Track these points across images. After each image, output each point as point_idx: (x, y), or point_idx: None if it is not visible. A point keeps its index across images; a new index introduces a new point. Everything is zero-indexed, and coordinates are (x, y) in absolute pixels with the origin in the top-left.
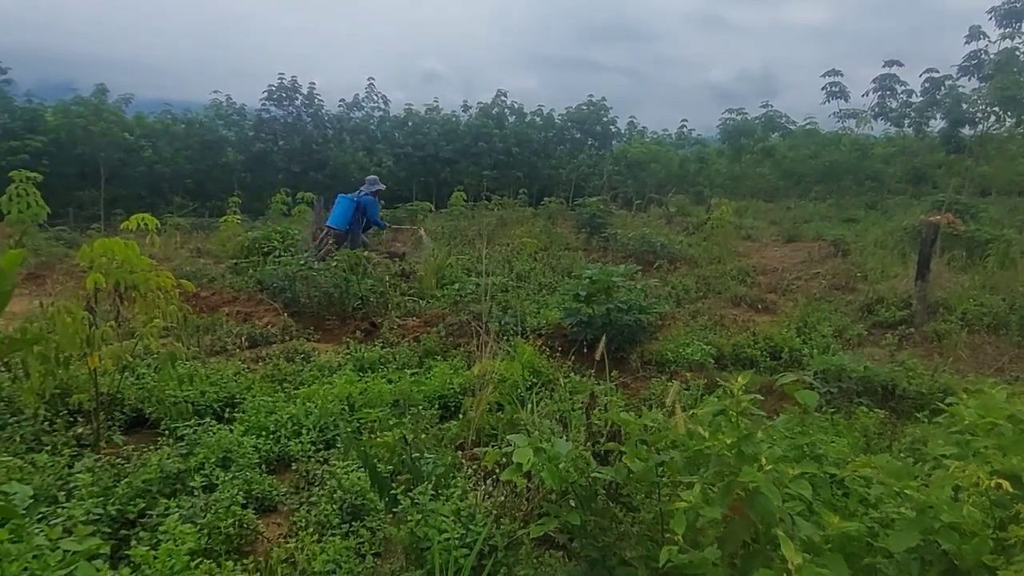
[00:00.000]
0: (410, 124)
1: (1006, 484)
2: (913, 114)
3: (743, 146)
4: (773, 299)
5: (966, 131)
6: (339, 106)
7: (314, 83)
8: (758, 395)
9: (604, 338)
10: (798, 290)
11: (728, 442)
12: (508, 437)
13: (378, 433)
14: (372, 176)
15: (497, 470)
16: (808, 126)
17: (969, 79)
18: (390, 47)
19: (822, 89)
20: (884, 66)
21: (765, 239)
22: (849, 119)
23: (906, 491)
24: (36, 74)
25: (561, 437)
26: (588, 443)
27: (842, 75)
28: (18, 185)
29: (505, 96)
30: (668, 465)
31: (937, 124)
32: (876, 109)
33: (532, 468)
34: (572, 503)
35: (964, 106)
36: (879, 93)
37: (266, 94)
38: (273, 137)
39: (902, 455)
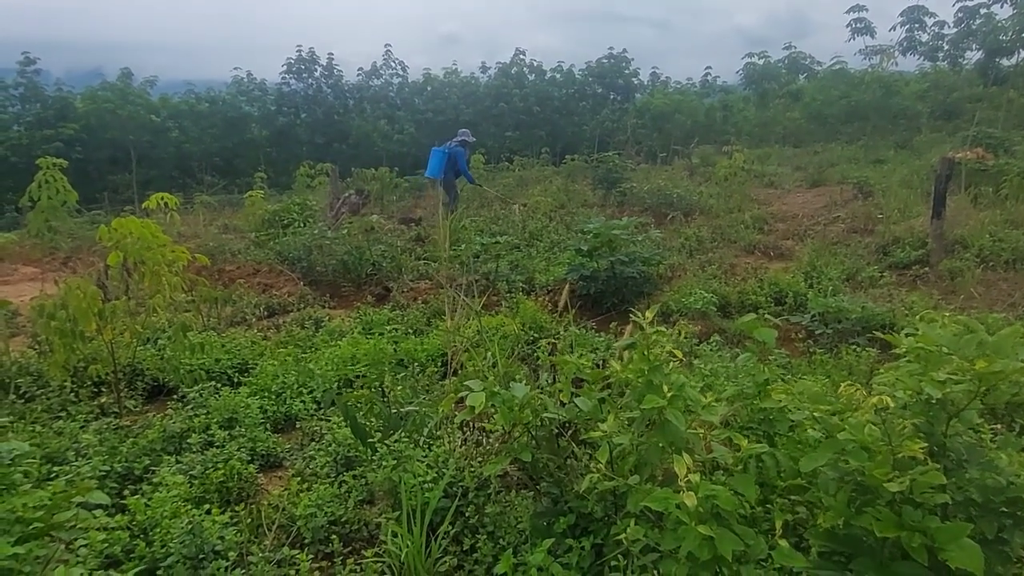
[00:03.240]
0: (429, 89)
1: (887, 399)
2: (947, 46)
3: (768, 91)
4: (789, 245)
5: (1003, 61)
6: (358, 75)
7: (332, 54)
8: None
9: (568, 286)
10: (815, 235)
11: (644, 372)
12: (464, 383)
13: (364, 388)
14: (464, 129)
15: (479, 420)
16: (835, 66)
17: (1002, 6)
18: (408, 13)
19: (846, 26)
20: None
21: (788, 185)
22: (875, 56)
23: (816, 414)
24: (65, 63)
25: (526, 383)
26: (552, 387)
27: (867, 10)
28: (45, 172)
29: (524, 55)
30: (608, 401)
31: (973, 56)
32: (904, 44)
33: (488, 410)
34: (530, 443)
35: (999, 36)
36: (907, 27)
37: (285, 67)
38: (295, 110)
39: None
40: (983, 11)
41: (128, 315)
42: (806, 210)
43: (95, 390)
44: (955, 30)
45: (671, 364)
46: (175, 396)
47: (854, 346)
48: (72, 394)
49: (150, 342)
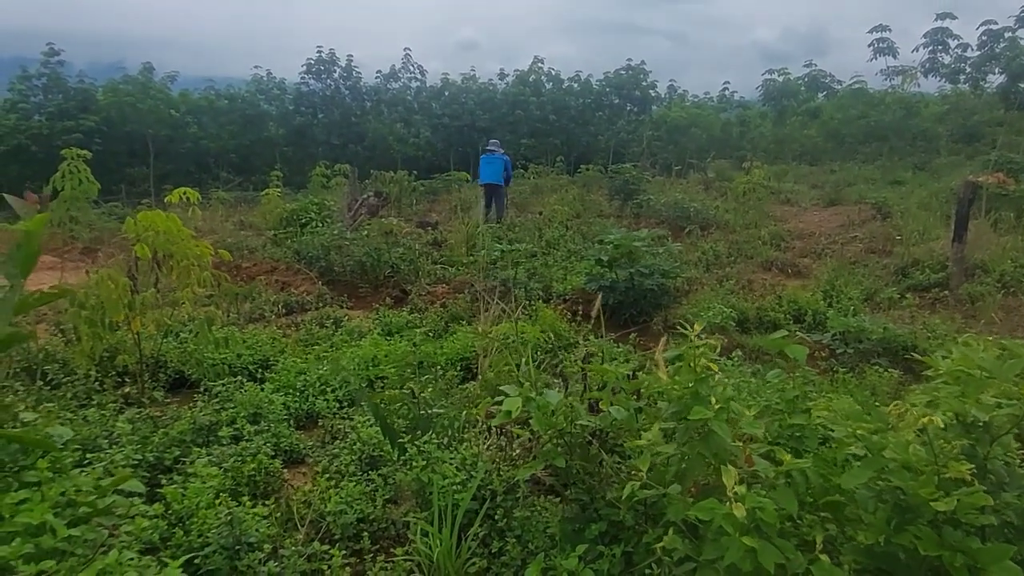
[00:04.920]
0: (447, 94)
1: (937, 419)
2: (969, 69)
3: (786, 108)
4: (806, 263)
5: None
6: (376, 78)
7: (352, 56)
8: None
9: (599, 296)
10: (833, 254)
11: (688, 385)
12: (500, 388)
13: (393, 389)
14: (494, 139)
15: (509, 425)
16: (855, 85)
17: None
18: (427, 17)
19: (868, 46)
20: (936, 19)
21: (805, 203)
22: (897, 77)
23: (858, 432)
24: (88, 56)
25: (558, 390)
26: (583, 395)
27: (890, 30)
28: (70, 163)
29: (542, 63)
30: (647, 411)
31: (995, 79)
32: (927, 65)
33: (523, 415)
34: (560, 449)
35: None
36: (930, 48)
37: (305, 68)
38: (313, 110)
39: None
40: (1008, 35)
41: (157, 307)
42: (823, 229)
43: (119, 380)
44: (978, 53)
45: (716, 377)
46: (198, 389)
47: (876, 367)
48: (97, 383)
49: (171, 335)
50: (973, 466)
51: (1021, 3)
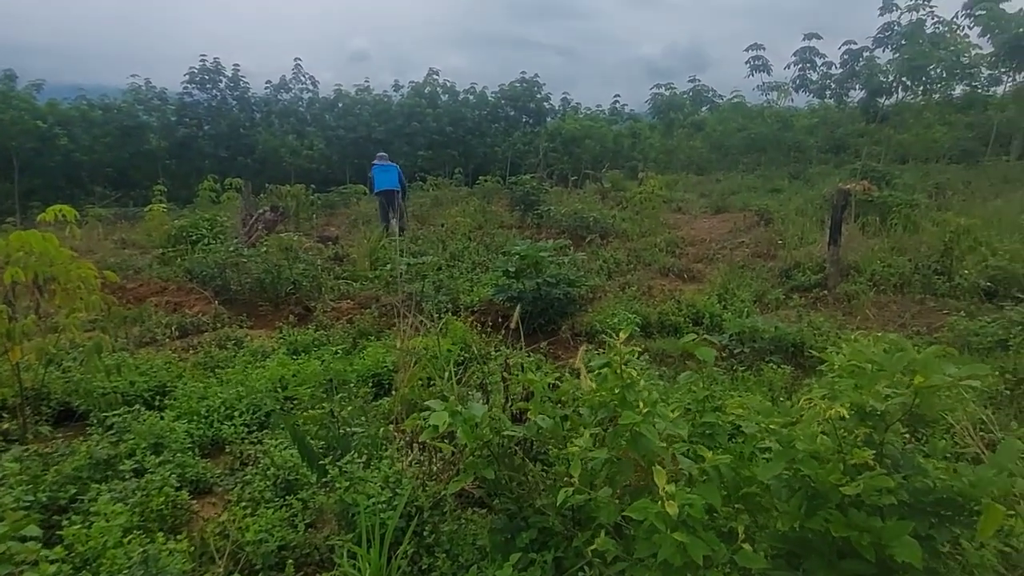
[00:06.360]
0: (340, 105)
1: (843, 410)
2: (834, 85)
3: (673, 120)
4: (700, 268)
5: (883, 101)
6: (266, 88)
7: (238, 65)
8: (678, 358)
9: (519, 307)
10: (723, 259)
11: (615, 391)
12: (425, 403)
13: (307, 410)
14: (382, 153)
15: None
16: (735, 100)
17: (884, 50)
18: (316, 27)
19: (745, 63)
20: (804, 39)
21: (695, 211)
22: (772, 92)
23: (771, 426)
24: None
25: (480, 402)
26: (505, 405)
27: (764, 48)
28: None
29: (437, 75)
30: (572, 419)
31: (857, 95)
32: (797, 81)
33: (448, 429)
34: (487, 461)
35: (880, 77)
36: (800, 66)
37: (188, 77)
38: (198, 122)
39: (790, 402)
40: (866, 54)
41: (40, 335)
42: (713, 235)
43: None
44: (841, 71)
45: (641, 382)
46: (87, 421)
47: (771, 364)
48: None
49: (53, 364)
50: (874, 452)
51: (877, 24)
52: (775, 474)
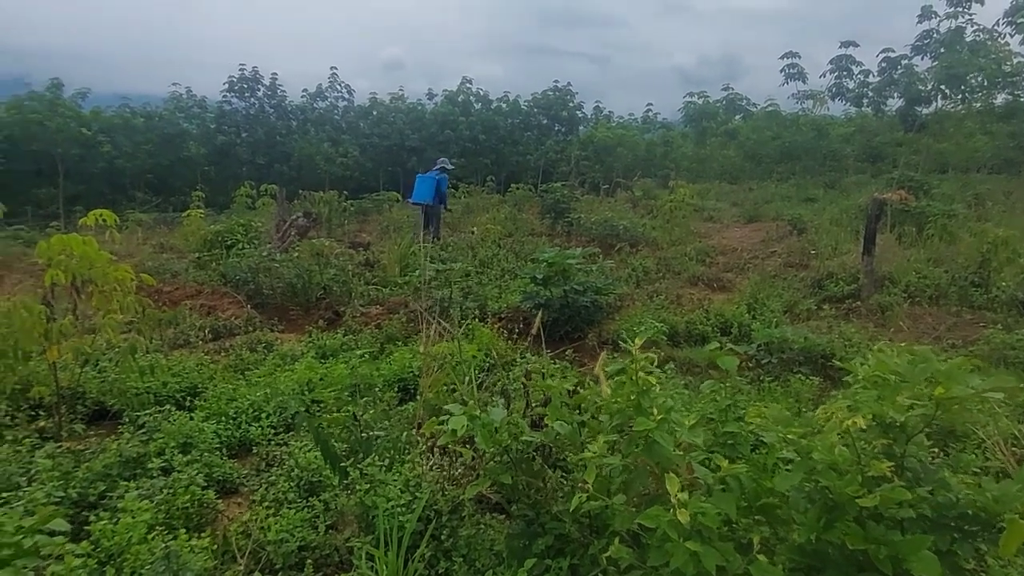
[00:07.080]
0: (375, 113)
1: (860, 421)
2: (871, 93)
3: (706, 129)
4: (730, 278)
5: (922, 109)
6: (302, 97)
7: (276, 74)
8: (704, 368)
9: (540, 313)
10: (754, 269)
11: (631, 398)
12: (445, 407)
13: (331, 413)
14: (443, 157)
15: (447, 444)
16: (769, 108)
17: (922, 58)
18: (351, 36)
19: (780, 71)
20: (840, 47)
21: (727, 220)
22: (807, 100)
23: (789, 436)
24: None
25: (500, 408)
26: (526, 411)
27: (799, 57)
28: None
29: (471, 83)
30: (589, 425)
31: (894, 103)
32: (833, 89)
33: (467, 433)
34: (505, 466)
35: (918, 85)
36: (836, 74)
37: (227, 86)
38: (236, 129)
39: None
40: (904, 62)
41: (77, 336)
42: (744, 244)
43: (32, 414)
44: (879, 79)
45: (656, 389)
46: (120, 420)
47: (799, 375)
48: (8, 417)
49: (89, 364)
50: (893, 464)
51: (916, 32)
52: (793, 485)
